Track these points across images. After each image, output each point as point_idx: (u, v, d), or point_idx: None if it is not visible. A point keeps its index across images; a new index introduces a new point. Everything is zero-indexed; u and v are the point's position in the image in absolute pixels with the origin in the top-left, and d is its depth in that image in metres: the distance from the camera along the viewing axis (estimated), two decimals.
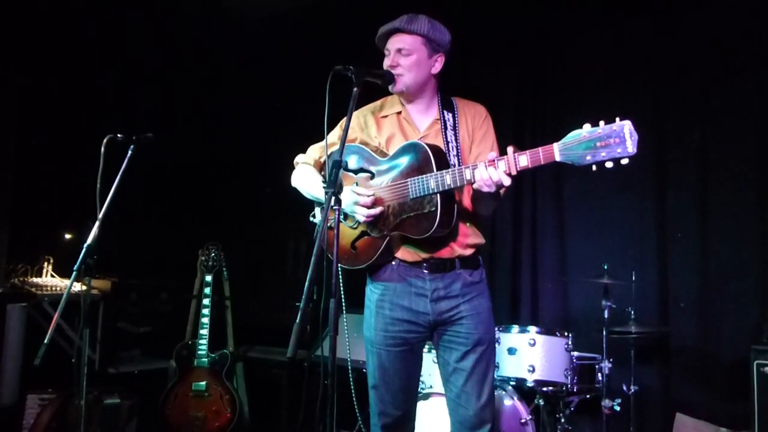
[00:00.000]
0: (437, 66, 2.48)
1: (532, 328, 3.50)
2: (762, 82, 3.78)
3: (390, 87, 2.44)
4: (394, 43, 2.44)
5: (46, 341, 2.63)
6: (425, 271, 2.39)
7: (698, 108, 4.00)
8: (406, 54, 2.41)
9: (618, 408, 3.51)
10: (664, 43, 4.10)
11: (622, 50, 4.23)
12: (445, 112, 2.48)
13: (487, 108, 2.59)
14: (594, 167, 1.96)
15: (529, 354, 3.45)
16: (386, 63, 2.46)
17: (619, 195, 4.16)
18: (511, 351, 3.47)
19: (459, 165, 2.35)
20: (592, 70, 4.35)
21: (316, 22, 5.51)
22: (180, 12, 5.53)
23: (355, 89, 2.19)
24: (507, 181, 2.10)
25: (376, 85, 2.42)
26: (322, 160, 2.64)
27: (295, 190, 2.66)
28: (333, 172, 2.00)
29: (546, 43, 4.57)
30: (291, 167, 2.69)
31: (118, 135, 3.01)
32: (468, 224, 2.45)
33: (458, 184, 2.20)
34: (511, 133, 4.50)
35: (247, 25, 5.92)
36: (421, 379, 3.45)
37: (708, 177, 3.93)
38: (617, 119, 1.92)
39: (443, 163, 2.29)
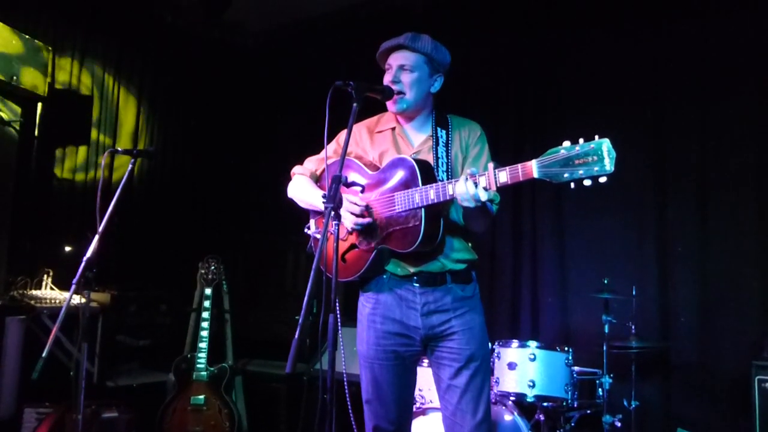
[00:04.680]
0: (436, 86, 2.50)
1: (533, 343, 3.48)
2: (761, 97, 3.80)
3: (389, 105, 2.45)
4: (397, 59, 2.45)
5: (44, 354, 2.62)
6: (416, 285, 2.40)
7: (697, 124, 4.02)
8: (408, 71, 2.43)
9: (619, 423, 3.49)
10: (664, 59, 4.13)
11: (622, 66, 4.26)
12: (439, 129, 2.50)
13: (487, 124, 2.59)
14: (572, 185, 1.92)
15: (529, 369, 3.43)
16: (387, 78, 2.46)
17: (619, 210, 4.17)
18: (511, 366, 3.46)
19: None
20: (591, 86, 4.37)
21: (316, 36, 5.55)
22: (182, 24, 5.57)
23: (354, 105, 2.20)
24: (483, 196, 2.09)
25: (376, 101, 2.43)
26: (318, 172, 2.65)
27: (293, 202, 2.66)
28: (333, 187, 2.01)
29: (546, 59, 4.60)
30: (289, 180, 2.69)
31: (119, 149, 3.02)
32: (458, 240, 2.44)
33: (441, 199, 2.20)
34: (510, 149, 4.52)
35: (248, 38, 5.95)
36: (420, 393, 3.44)
37: (708, 192, 3.95)
38: (596, 137, 1.89)
39: (430, 178, 2.29)
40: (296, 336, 1.79)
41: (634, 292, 3.67)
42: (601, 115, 4.24)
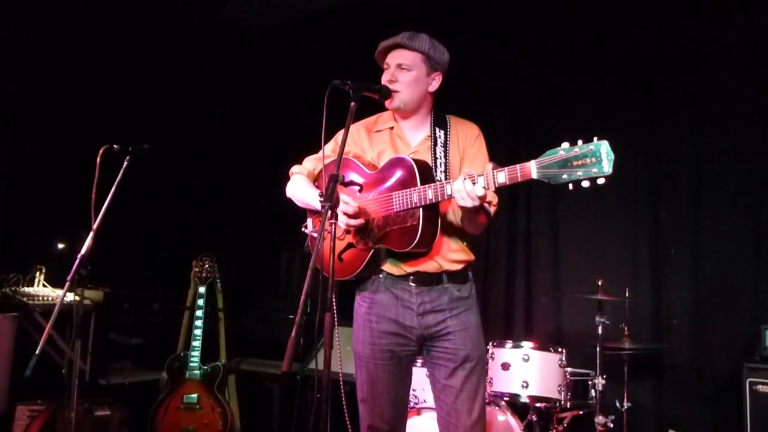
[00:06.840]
0: (434, 84, 2.50)
1: (526, 344, 3.49)
2: (756, 99, 3.81)
3: (386, 102, 2.45)
4: (395, 57, 2.46)
5: (37, 352, 2.61)
6: (412, 285, 2.40)
7: (692, 126, 4.03)
8: (406, 70, 2.43)
9: (611, 424, 3.50)
10: (659, 61, 4.14)
11: (617, 67, 4.27)
12: (437, 129, 2.50)
13: (482, 126, 2.60)
14: (570, 186, 1.92)
15: (522, 369, 3.43)
16: (385, 77, 2.47)
17: (613, 212, 4.18)
18: (505, 366, 3.46)
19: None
20: (587, 88, 4.38)
21: (314, 34, 5.53)
22: (178, 23, 5.54)
23: (352, 104, 2.21)
24: (481, 192, 2.10)
25: (373, 100, 2.43)
26: (316, 171, 2.65)
27: (289, 201, 2.66)
28: (330, 186, 2.01)
29: (541, 60, 4.60)
30: (286, 179, 2.69)
31: (114, 146, 3.02)
32: (455, 240, 2.45)
33: (440, 199, 2.20)
34: (505, 149, 4.52)
35: (244, 36, 5.93)
36: (414, 393, 3.44)
37: (701, 195, 3.96)
38: (595, 138, 1.89)
39: (428, 178, 2.30)
40: (293, 334, 1.79)
41: (627, 294, 3.68)
42: (596, 119, 4.24)
